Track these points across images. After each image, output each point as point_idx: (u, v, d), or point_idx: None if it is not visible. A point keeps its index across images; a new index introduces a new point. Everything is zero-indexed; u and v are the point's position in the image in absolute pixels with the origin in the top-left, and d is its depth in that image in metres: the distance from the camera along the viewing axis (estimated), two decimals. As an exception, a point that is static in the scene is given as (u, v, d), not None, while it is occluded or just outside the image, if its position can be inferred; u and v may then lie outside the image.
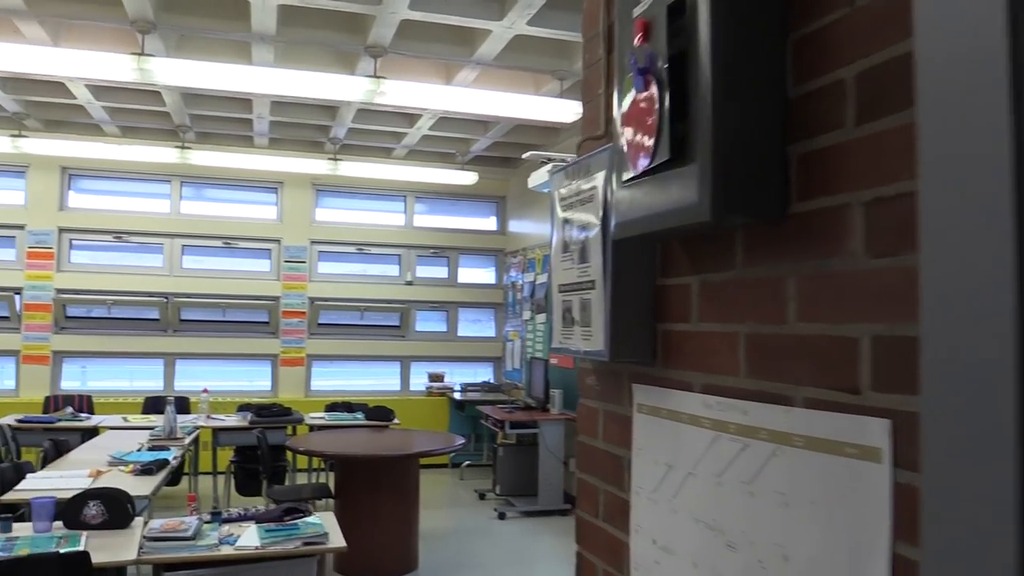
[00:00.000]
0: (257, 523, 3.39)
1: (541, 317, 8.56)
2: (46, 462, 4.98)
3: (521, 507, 7.40)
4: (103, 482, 4.17)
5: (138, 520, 3.39)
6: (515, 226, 9.92)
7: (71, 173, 8.89)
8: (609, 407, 1.70)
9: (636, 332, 1.51)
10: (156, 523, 3.27)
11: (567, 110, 5.80)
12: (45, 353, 8.65)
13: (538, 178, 5.81)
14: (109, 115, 7.67)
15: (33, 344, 8.61)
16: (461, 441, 5.82)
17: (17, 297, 8.61)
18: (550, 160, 5.77)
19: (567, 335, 1.67)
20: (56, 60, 5.05)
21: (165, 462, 4.59)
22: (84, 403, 7.70)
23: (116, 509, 3.25)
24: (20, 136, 7.65)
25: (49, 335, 8.67)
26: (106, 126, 8.07)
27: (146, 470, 4.38)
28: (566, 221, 1.69)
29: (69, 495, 3.73)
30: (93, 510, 3.22)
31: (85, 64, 5.05)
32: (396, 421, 7.21)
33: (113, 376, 9.13)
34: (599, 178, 1.54)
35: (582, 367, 1.84)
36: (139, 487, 4.12)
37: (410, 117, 7.64)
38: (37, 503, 3.17)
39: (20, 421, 6.48)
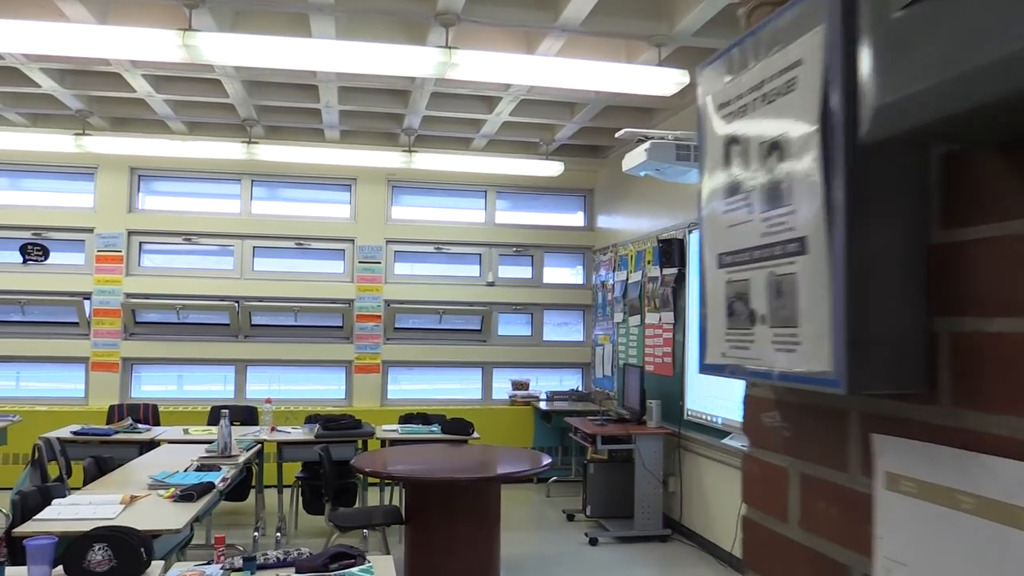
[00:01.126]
0: (297, 572, 2.75)
1: (635, 319, 7.76)
2: (87, 481, 4.50)
3: (615, 531, 6.63)
4: (136, 510, 3.62)
5: (156, 565, 2.79)
6: (604, 221, 9.15)
7: (140, 174, 8.57)
8: (814, 470, 0.96)
9: (894, 335, 0.77)
10: (174, 572, 2.66)
11: (667, 80, 5.03)
12: (114, 360, 8.34)
13: (633, 159, 5.05)
14: (173, 110, 7.26)
15: (102, 351, 8.30)
16: (548, 461, 5.09)
17: (87, 302, 8.32)
18: (647, 138, 5.01)
19: (742, 341, 0.92)
20: (97, 38, 4.56)
21: (209, 486, 4.01)
22: (149, 413, 7.29)
23: (126, 554, 2.66)
24: (84, 135, 7.30)
25: (118, 341, 8.35)
26: (171, 122, 7.67)
27: (186, 496, 3.81)
28: (733, 141, 0.96)
29: (89, 528, 3.20)
30: (99, 555, 2.63)
31: (127, 41, 4.55)
32: (476, 435, 6.54)
33: (208, 381, 8.80)
34: (807, 44, 0.80)
35: (753, 394, 1.10)
36: (174, 517, 3.55)
37: (489, 101, 6.98)
38: (32, 546, 2.59)
39: (76, 433, 6.07)
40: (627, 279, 8.07)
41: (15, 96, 6.97)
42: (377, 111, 7.20)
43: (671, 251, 6.61)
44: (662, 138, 4.98)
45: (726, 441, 5.62)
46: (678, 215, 6.95)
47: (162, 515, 3.59)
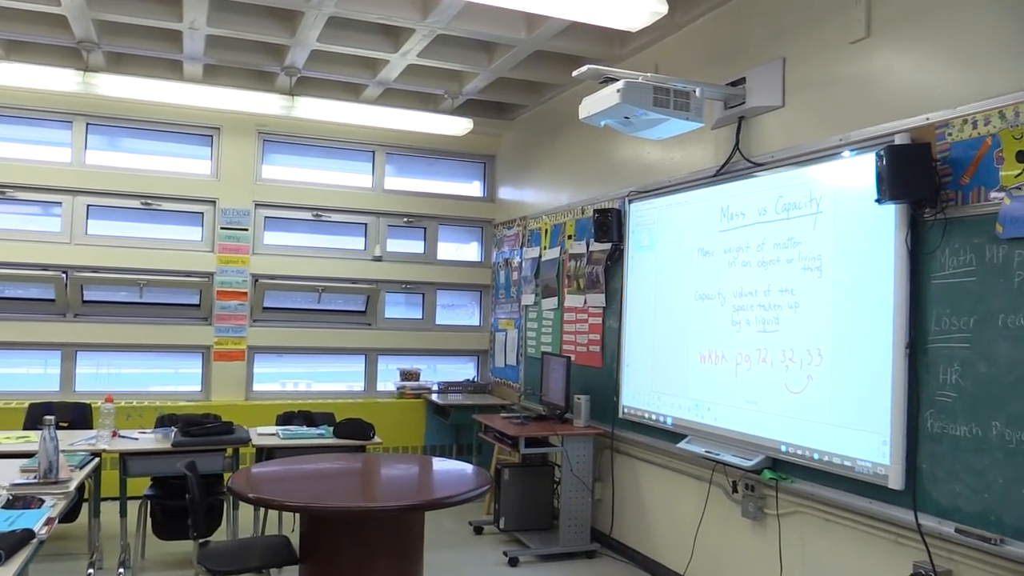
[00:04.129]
0: None
1: (550, 302, 6.82)
2: None
3: (537, 548, 5.67)
4: (-99, 586, 2.30)
5: None
6: (509, 192, 8.14)
7: (-62, 107, 6.80)
8: None
9: None
10: None
11: (640, 8, 4.06)
12: (-101, 342, 6.58)
13: (597, 104, 4.06)
14: (-18, 22, 5.63)
15: None
16: (484, 481, 4.04)
17: None
18: (616, 78, 4.05)
19: None
20: None
21: (27, 536, 2.71)
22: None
23: None
24: None
25: (-96, 318, 6.59)
26: (-20, 39, 6.00)
27: (-14, 556, 2.51)
28: None
29: None
30: None
31: None
32: (377, 439, 5.40)
33: (26, 368, 7.12)
34: None
35: None
36: (-34, 597, 2.27)
37: (396, 36, 5.80)
38: None
39: None
40: (540, 256, 7.10)
41: None
42: (254, 39, 5.84)
43: (608, 223, 5.68)
44: (633, 76, 4.01)
45: (683, 445, 4.76)
46: (611, 184, 6.04)
47: (-56, 593, 2.29)
